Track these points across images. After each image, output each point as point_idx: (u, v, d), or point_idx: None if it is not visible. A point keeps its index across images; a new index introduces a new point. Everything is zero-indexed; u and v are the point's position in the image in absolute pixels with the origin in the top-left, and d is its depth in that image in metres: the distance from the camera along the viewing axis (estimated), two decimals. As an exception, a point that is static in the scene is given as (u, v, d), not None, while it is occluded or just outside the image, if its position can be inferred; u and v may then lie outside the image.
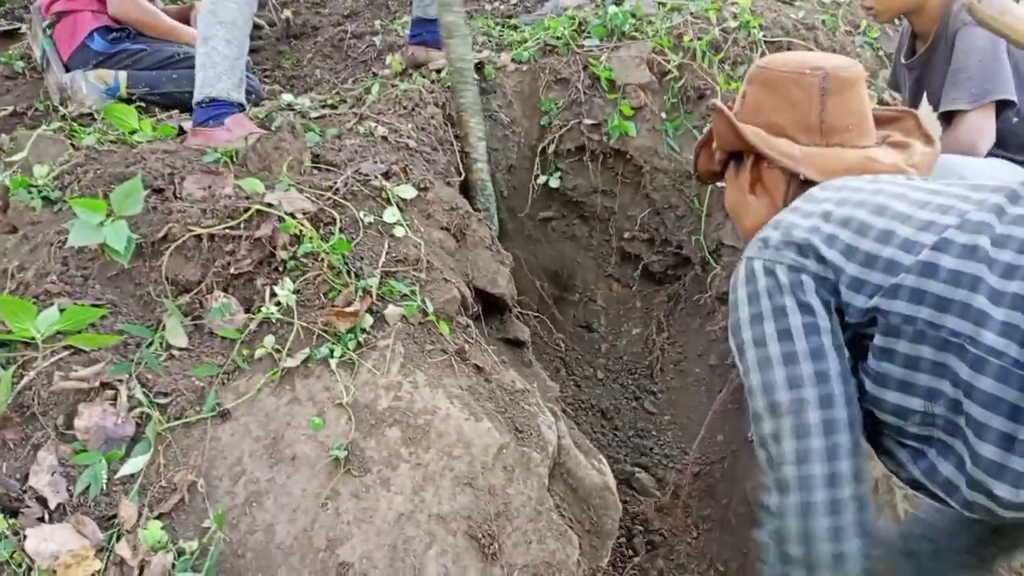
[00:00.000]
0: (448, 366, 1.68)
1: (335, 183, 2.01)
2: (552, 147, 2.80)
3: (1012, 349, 0.97)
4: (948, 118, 2.17)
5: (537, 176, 2.83)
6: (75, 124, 2.71)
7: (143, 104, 3.01)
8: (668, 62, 2.81)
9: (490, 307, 2.09)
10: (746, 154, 1.57)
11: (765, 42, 2.93)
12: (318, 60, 3.68)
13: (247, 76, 3.11)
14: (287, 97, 2.70)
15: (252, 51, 3.92)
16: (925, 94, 2.37)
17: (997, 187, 1.13)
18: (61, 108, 2.99)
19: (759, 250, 1.23)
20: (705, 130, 1.75)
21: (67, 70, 3.11)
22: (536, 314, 2.54)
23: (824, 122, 1.49)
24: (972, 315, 1.01)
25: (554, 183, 2.83)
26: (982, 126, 2.09)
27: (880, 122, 1.63)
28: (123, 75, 3.09)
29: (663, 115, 2.76)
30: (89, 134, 2.52)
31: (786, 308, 1.16)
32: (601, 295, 2.86)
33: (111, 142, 2.42)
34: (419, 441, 1.53)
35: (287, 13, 4.08)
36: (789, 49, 2.99)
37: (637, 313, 2.83)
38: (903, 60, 2.45)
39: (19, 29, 3.56)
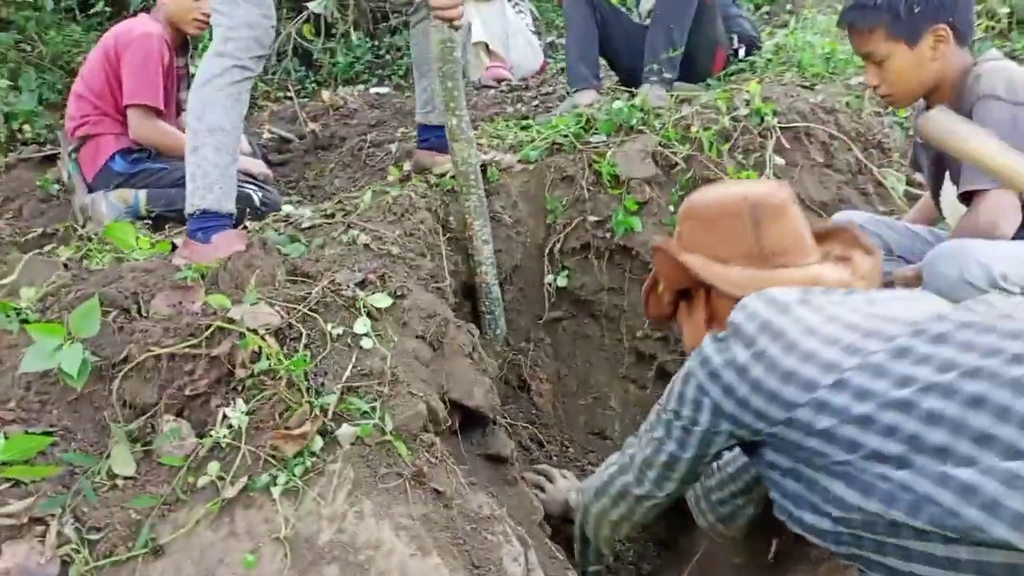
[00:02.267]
0: (402, 492, 1.55)
1: (308, 294, 1.94)
2: (558, 246, 2.70)
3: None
4: (968, 198, 1.99)
5: (545, 276, 2.73)
6: (90, 244, 2.75)
7: (155, 220, 3.06)
8: (675, 154, 2.70)
9: (472, 420, 1.96)
10: (694, 290, 1.64)
11: (780, 128, 2.81)
12: (338, 170, 3.72)
13: (267, 189, 3.16)
14: (287, 208, 2.70)
15: (280, 164, 4.00)
16: (947, 174, 2.19)
17: (909, 320, 1.26)
18: (79, 228, 3.06)
19: (696, 364, 1.44)
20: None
21: (90, 191, 3.20)
22: (528, 425, 2.39)
23: (764, 247, 1.54)
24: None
25: (562, 282, 2.72)
26: (1004, 206, 1.90)
27: (819, 238, 1.67)
28: (143, 194, 3.16)
29: (671, 208, 2.64)
30: (90, 254, 2.55)
31: (685, 400, 1.45)
32: (615, 398, 2.69)
33: (116, 260, 2.44)
34: (357, 580, 1.39)
35: (313, 126, 4.17)
36: (807, 134, 2.86)
37: (654, 418, 2.64)
38: (919, 139, 2.28)
39: (58, 154, 3.71)
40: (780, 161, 2.76)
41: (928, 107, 2.21)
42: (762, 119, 2.80)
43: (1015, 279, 1.83)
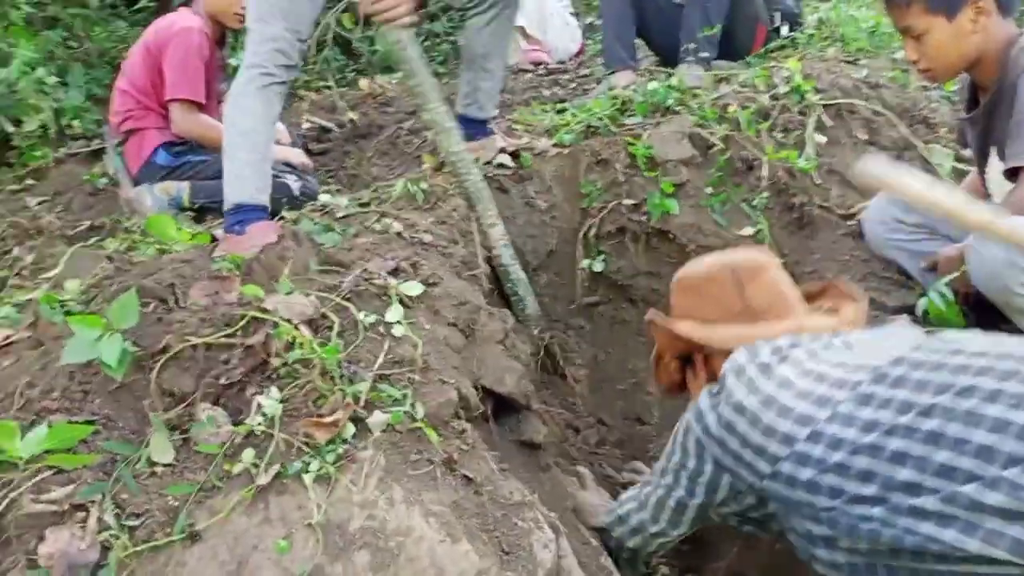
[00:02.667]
0: (432, 479, 1.55)
1: (341, 283, 1.96)
2: (593, 230, 2.67)
3: None
4: (1014, 174, 1.91)
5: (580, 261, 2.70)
6: (135, 237, 2.81)
7: (199, 212, 3.12)
8: (712, 135, 2.65)
9: (505, 406, 1.95)
10: (694, 353, 1.75)
11: (822, 104, 2.74)
12: (376, 158, 3.73)
13: (306, 179, 3.19)
14: (324, 198, 2.72)
15: (320, 153, 4.03)
16: (994, 149, 2.11)
17: (871, 367, 1.37)
18: (125, 221, 3.12)
19: (693, 418, 1.58)
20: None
21: (136, 184, 3.27)
22: (564, 411, 2.37)
23: (748, 306, 1.65)
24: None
25: (598, 267, 2.69)
26: None
27: (810, 298, 1.81)
28: (186, 186, 3.21)
29: (708, 190, 2.59)
30: (135, 246, 2.61)
31: (688, 453, 1.60)
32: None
33: (158, 252, 2.49)
34: (387, 567, 1.40)
35: (352, 114, 4.19)
36: (850, 111, 2.78)
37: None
38: (965, 114, 2.20)
39: (105, 148, 3.80)
40: (821, 139, 2.69)
41: (973, 82, 2.14)
42: (802, 96, 2.74)
43: None
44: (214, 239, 2.48)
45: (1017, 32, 1.98)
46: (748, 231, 2.52)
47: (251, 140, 2.32)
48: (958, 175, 2.65)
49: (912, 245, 2.29)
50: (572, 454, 2.26)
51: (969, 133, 2.20)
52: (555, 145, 2.85)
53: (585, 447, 2.38)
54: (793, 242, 2.54)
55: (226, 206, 2.38)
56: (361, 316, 1.86)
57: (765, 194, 2.55)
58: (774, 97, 2.74)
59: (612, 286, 2.71)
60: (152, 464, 1.64)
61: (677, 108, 2.81)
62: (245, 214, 2.34)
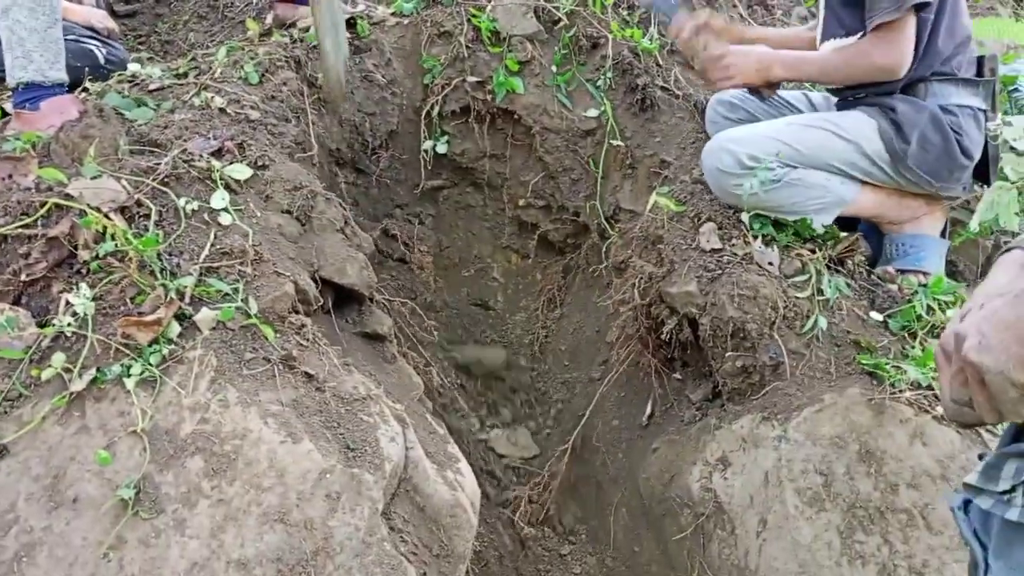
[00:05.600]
0: (270, 377, 1.47)
1: (157, 166, 1.76)
2: (436, 109, 2.55)
3: None
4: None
5: (423, 142, 2.58)
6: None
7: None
8: (558, 9, 2.56)
9: (347, 298, 1.87)
10: None
11: (667, -17, 2.68)
12: (193, 22, 3.37)
13: (112, 45, 2.82)
14: (133, 67, 2.42)
15: (127, 16, 3.58)
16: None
17: None
18: None
19: None
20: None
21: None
22: (408, 300, 2.31)
23: None
24: None
25: (441, 148, 2.59)
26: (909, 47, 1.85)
27: None
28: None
29: (553, 69, 2.52)
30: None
31: None
32: (498, 268, 2.65)
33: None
34: (223, 472, 1.32)
35: (164, -29, 3.74)
36: (693, -11, 2.75)
37: (536, 287, 2.62)
38: None
39: None
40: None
41: None
42: (648, -27, 2.67)
43: (764, 156, 1.86)
44: (4, 114, 2.15)
45: None
46: (592, 113, 2.49)
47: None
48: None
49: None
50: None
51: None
52: (394, 14, 2.66)
53: (429, 337, 2.33)
54: (635, 124, 2.53)
55: (10, 83, 2.04)
56: (182, 203, 1.69)
57: (610, 74, 2.51)
58: (621, -28, 2.66)
59: (456, 169, 2.62)
60: (-58, 373, 1.45)
61: (522, -21, 2.68)
62: (34, 91, 2.03)
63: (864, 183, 1.96)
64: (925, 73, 1.91)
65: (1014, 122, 2.09)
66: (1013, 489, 0.77)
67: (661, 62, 2.56)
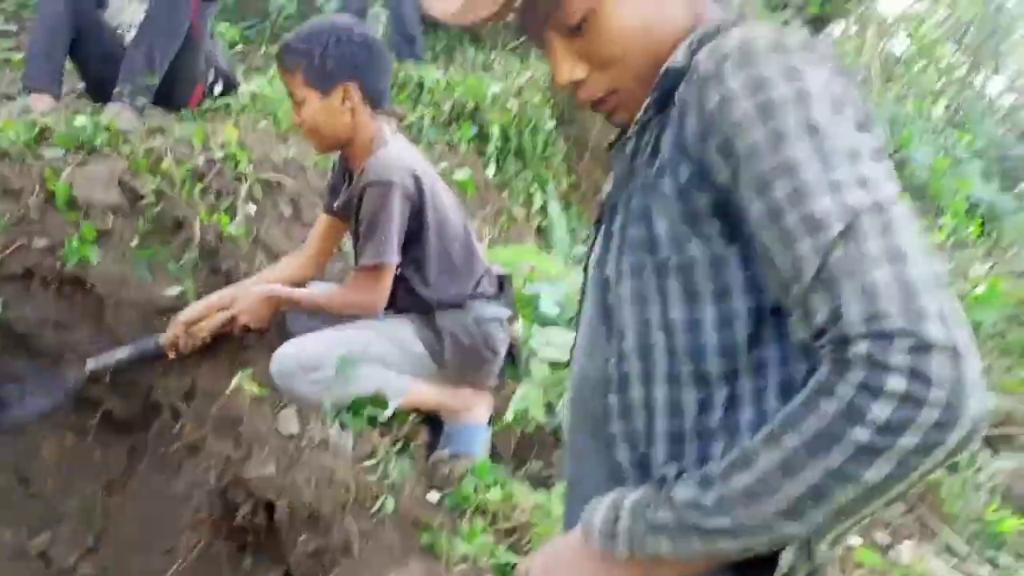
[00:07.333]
0: None
1: None
2: (-6, 270, 2.32)
3: None
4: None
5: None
6: None
7: None
8: (144, 185, 2.56)
9: None
10: None
11: (255, 177, 2.87)
12: None
13: None
14: None
15: None
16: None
17: None
18: None
19: None
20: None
21: None
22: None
23: None
24: None
25: (-6, 312, 2.34)
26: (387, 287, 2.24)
27: None
28: None
29: (133, 243, 2.49)
30: None
31: None
32: (47, 449, 2.40)
33: None
34: None
35: None
36: (279, 185, 2.97)
37: (96, 469, 2.42)
38: (331, 183, 2.55)
39: None
40: (252, 208, 2.81)
41: (345, 158, 2.39)
42: (237, 164, 2.83)
43: (325, 357, 2.14)
44: None
45: (380, 130, 2.26)
46: (175, 290, 2.48)
47: None
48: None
49: None
50: None
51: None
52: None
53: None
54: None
55: None
56: None
57: (194, 254, 2.55)
58: (210, 160, 2.77)
59: (10, 335, 2.37)
60: None
61: (106, 149, 2.64)
62: None
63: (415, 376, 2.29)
64: (464, 295, 2.34)
65: (539, 333, 2.63)
66: None
67: (246, 249, 2.69)
